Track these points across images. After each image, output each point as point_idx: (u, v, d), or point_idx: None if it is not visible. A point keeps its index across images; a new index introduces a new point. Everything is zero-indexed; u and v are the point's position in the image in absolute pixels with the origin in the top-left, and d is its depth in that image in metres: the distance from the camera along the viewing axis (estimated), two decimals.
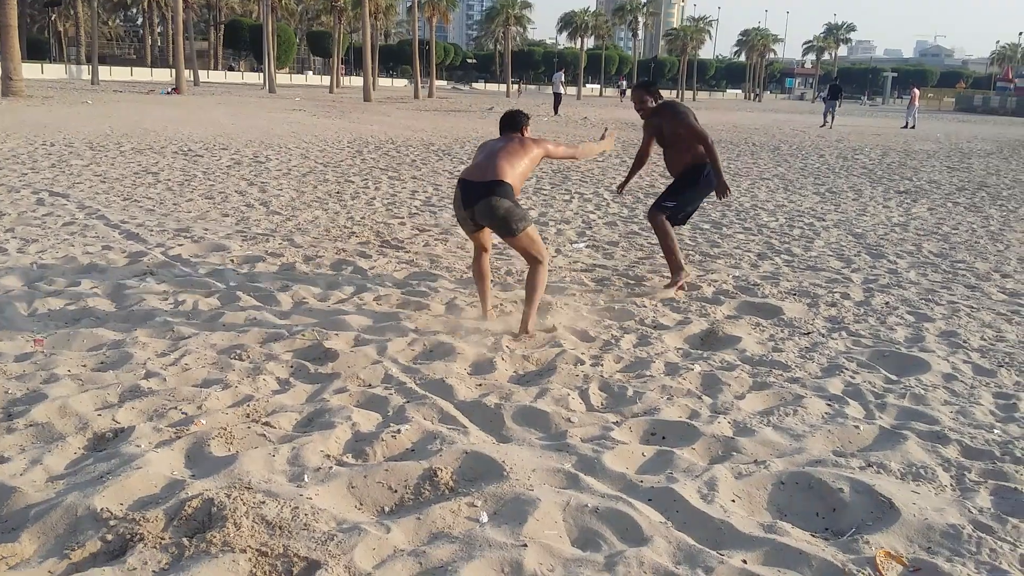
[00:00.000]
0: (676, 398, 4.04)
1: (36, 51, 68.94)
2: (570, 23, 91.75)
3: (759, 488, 3.11)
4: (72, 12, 69.39)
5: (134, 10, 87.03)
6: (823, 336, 5.19)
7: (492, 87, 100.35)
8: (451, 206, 9.90)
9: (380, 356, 4.49)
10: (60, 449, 3.25)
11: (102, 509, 2.72)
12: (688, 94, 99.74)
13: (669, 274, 6.29)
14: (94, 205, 9.08)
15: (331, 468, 3.14)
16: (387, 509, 2.92)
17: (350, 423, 3.56)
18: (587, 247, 7.82)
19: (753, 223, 9.51)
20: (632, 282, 6.41)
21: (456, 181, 4.99)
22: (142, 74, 68.27)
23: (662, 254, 6.40)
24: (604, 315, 5.50)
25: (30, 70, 47.28)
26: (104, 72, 57.93)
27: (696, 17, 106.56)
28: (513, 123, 5.17)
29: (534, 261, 4.95)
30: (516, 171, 4.83)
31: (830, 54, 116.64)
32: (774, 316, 5.60)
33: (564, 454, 3.32)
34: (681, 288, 6.14)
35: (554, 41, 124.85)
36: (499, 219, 4.73)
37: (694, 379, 4.33)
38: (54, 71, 60.38)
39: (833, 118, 34.28)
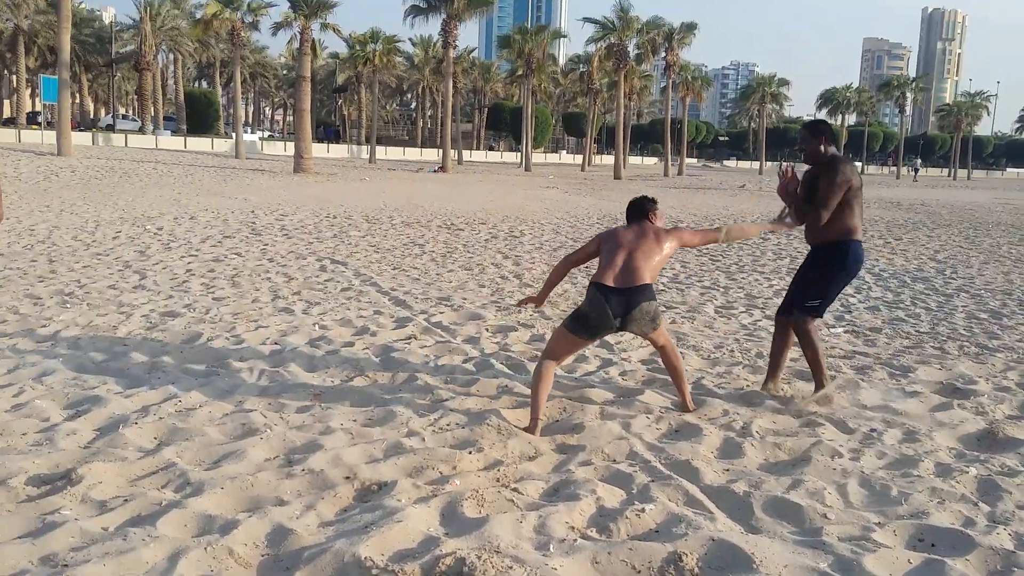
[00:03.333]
0: (948, 502, 3.68)
1: (324, 133, 77.17)
2: (831, 100, 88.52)
3: None
4: (356, 97, 77.21)
5: (409, 96, 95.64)
6: None
7: (744, 164, 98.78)
8: (697, 284, 9.81)
9: (625, 432, 4.49)
10: (332, 497, 3.54)
11: (366, 558, 2.92)
12: (962, 172, 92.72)
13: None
14: (368, 272, 9.93)
15: (575, 540, 3.16)
16: None
17: (594, 496, 3.57)
18: (846, 332, 7.40)
19: None
20: (897, 372, 5.97)
21: (594, 286, 4.59)
22: (413, 154, 74.08)
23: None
24: (864, 406, 5.16)
25: (318, 150, 53.00)
26: (380, 152, 63.46)
27: (972, 92, 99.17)
28: (640, 211, 4.94)
29: (668, 345, 4.90)
30: (655, 269, 4.70)
31: None
32: None
33: (819, 552, 3.13)
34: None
35: (812, 117, 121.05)
36: (651, 321, 4.63)
37: (969, 483, 3.93)
38: (338, 151, 67.05)
39: None
